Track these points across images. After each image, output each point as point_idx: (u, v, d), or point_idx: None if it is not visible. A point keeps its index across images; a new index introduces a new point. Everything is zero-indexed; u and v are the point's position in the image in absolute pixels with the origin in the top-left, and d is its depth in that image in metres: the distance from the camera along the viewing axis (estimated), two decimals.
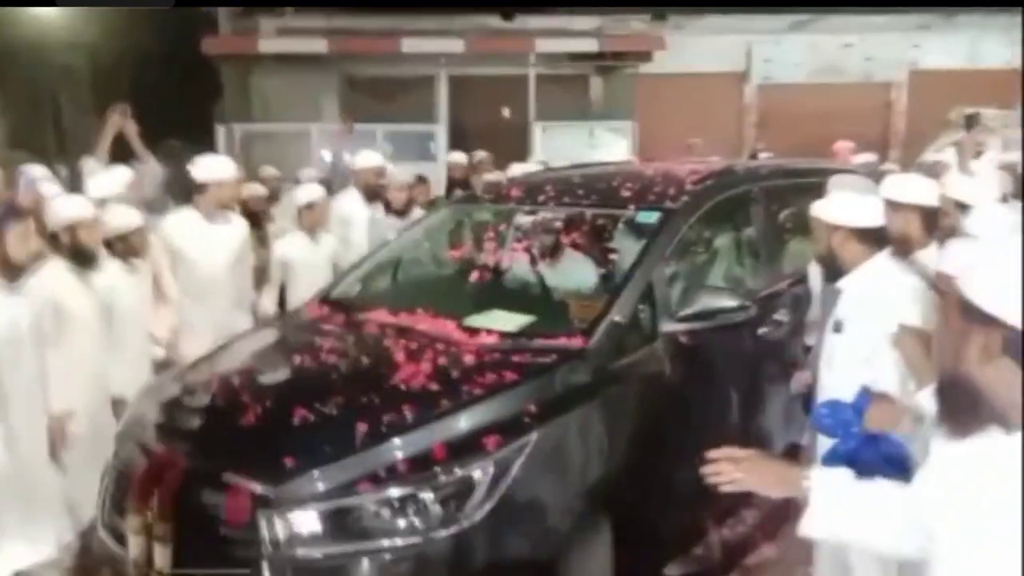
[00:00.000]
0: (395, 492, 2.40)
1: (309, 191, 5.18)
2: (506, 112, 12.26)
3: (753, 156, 6.59)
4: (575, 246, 4.19)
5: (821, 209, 2.85)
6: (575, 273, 4.10)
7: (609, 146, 10.99)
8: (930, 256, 2.98)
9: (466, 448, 2.49)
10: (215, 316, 4.25)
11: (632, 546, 2.86)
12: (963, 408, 1.39)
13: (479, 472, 2.46)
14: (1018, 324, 1.28)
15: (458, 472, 2.44)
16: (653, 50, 11.66)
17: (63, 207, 3.68)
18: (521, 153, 9.45)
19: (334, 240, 5.13)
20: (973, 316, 1.33)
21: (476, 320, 3.24)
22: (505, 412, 2.61)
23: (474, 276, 3.90)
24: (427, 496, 2.40)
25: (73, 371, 3.47)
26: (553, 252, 4.22)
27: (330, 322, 3.51)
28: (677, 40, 11.86)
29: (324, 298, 3.82)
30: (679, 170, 3.91)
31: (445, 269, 4.21)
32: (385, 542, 2.38)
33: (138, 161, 5.00)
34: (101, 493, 2.94)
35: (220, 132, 11.09)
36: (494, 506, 2.44)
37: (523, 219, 4.27)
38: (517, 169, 6.22)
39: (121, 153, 5.06)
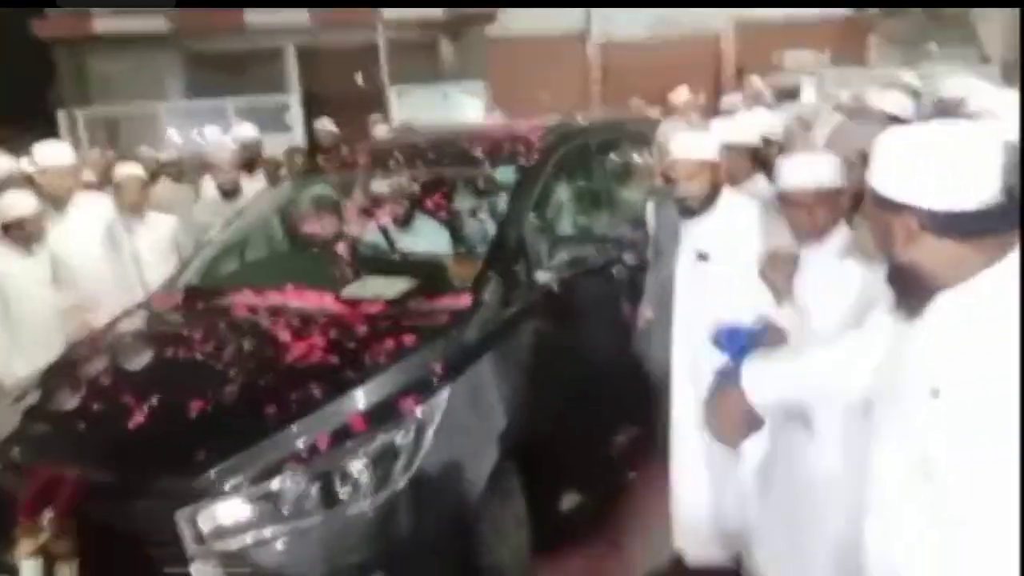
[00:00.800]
0: (319, 468, 2.39)
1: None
2: (359, 79, 12.27)
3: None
4: (434, 208, 4.25)
5: (706, 148, 3.06)
6: (431, 236, 4.19)
7: (463, 107, 11.24)
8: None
9: (383, 415, 2.52)
10: (99, 302, 4.04)
11: (536, 486, 3.03)
12: (911, 288, 1.43)
13: (400, 436, 2.50)
14: (927, 204, 1.32)
15: (379, 440, 2.47)
16: (495, 11, 11.97)
17: None
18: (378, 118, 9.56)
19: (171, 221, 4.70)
20: (885, 206, 1.38)
21: (354, 290, 3.24)
22: (413, 375, 2.65)
23: (337, 247, 3.86)
24: (352, 467, 2.42)
25: None
26: (409, 217, 4.24)
27: (191, 311, 3.38)
28: (522, 2, 12.19)
29: (171, 287, 3.65)
30: (521, 128, 4.14)
31: (297, 244, 4.10)
32: (315, 519, 2.36)
33: None
34: None
35: (61, 118, 10.61)
36: (418, 467, 2.49)
37: (378, 185, 4.22)
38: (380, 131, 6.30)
39: None
